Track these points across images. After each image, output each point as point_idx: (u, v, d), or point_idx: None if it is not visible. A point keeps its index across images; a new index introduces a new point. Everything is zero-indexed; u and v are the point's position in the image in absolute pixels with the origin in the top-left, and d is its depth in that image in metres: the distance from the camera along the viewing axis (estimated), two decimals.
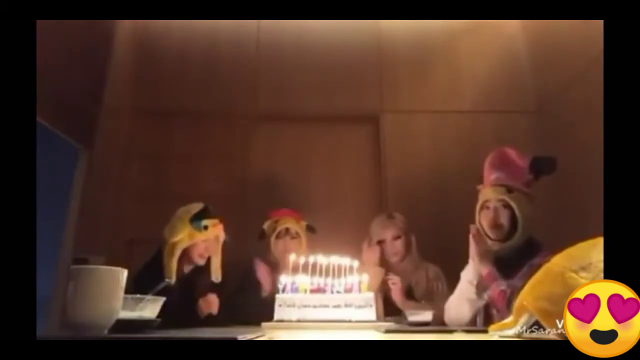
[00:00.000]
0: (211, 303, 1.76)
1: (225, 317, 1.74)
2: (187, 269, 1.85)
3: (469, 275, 1.57)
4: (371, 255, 2.01)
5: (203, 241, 1.80)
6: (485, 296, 1.49)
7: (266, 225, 2.13)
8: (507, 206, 1.53)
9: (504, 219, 1.53)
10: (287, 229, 2.10)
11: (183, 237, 1.74)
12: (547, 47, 2.56)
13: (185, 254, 1.79)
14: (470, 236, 1.56)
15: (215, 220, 1.82)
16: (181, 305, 1.61)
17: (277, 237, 2.09)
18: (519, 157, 1.59)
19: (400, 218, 2.08)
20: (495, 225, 1.54)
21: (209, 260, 1.86)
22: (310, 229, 2.16)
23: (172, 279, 1.69)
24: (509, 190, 1.53)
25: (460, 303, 1.58)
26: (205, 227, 1.76)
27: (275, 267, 2.04)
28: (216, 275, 1.85)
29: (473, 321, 1.56)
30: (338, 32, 2.81)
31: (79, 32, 1.99)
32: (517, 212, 1.51)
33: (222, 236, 1.86)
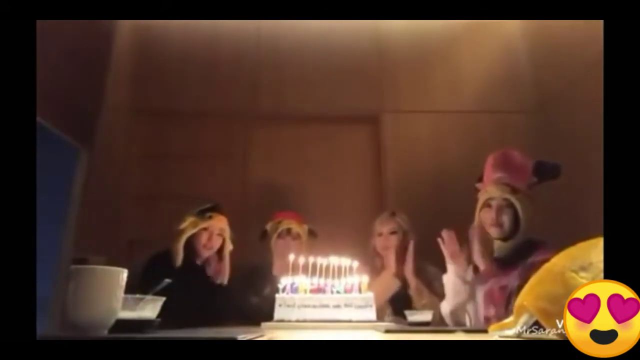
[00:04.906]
0: (221, 272, 1.92)
1: (230, 317, 1.75)
2: (198, 261, 1.93)
3: (455, 274, 1.61)
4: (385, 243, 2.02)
5: (205, 229, 1.88)
6: (481, 291, 1.51)
7: (269, 226, 2.13)
8: (510, 206, 1.53)
9: (506, 218, 1.53)
10: (289, 230, 2.10)
11: (187, 225, 1.87)
12: (547, 47, 2.56)
13: (191, 246, 1.88)
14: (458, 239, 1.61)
15: (221, 215, 1.93)
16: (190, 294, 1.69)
17: (279, 236, 2.09)
18: (523, 160, 1.60)
19: (402, 217, 2.07)
20: (497, 223, 1.54)
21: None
22: (312, 233, 2.17)
23: (178, 263, 1.83)
24: (514, 190, 1.53)
25: (453, 302, 1.61)
26: (210, 217, 1.89)
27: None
28: (222, 277, 1.92)
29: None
30: (338, 32, 2.81)
31: (79, 32, 1.99)
32: (520, 213, 1.51)
33: (227, 231, 1.93)
